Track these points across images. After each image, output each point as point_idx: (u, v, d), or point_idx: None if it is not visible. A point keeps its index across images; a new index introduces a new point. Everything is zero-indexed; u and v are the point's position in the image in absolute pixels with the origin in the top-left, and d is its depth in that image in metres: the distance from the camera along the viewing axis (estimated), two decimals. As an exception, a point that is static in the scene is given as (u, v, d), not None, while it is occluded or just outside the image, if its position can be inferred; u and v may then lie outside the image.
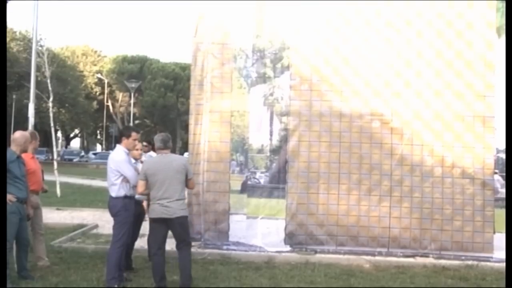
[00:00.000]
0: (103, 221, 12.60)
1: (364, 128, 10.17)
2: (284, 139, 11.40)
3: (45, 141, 54.03)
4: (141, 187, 7.28)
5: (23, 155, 7.69)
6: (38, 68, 20.84)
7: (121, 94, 70.95)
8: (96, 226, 12.52)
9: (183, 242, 7.31)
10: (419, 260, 9.69)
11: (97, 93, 72.69)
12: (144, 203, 8.29)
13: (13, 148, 7.51)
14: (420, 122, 10.14)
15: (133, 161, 8.07)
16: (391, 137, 10.12)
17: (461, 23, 10.19)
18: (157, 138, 7.44)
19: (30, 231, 8.30)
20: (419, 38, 10.23)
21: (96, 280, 7.73)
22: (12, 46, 53.63)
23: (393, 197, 10.02)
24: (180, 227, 7.25)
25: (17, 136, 7.61)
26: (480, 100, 10.02)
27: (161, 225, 7.21)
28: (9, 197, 7.26)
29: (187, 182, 7.37)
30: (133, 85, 49.20)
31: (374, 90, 10.23)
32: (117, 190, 7.45)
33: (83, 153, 69.89)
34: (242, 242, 10.47)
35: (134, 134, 7.75)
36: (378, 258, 9.74)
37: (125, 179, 7.44)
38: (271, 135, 12.31)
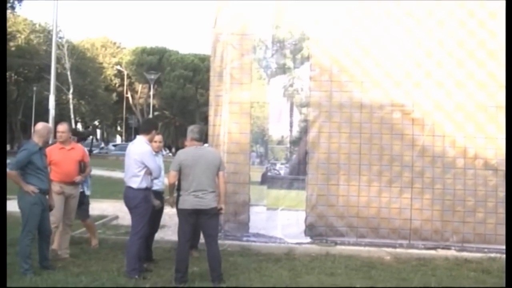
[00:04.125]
0: (123, 212, 12.62)
1: (384, 119, 10.11)
2: (304, 130, 11.36)
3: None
4: (173, 178, 7.30)
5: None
6: (58, 60, 21.05)
7: (140, 85, 71.19)
8: (116, 217, 12.63)
9: (212, 237, 7.33)
10: (441, 252, 9.64)
11: (117, 85, 73.07)
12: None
13: (36, 140, 7.60)
14: (442, 113, 10.05)
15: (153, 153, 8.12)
16: (412, 128, 10.05)
17: (483, 12, 10.07)
18: (193, 130, 7.44)
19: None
20: (440, 27, 10.13)
21: (116, 270, 7.80)
22: (32, 38, 54.17)
23: (414, 189, 9.96)
24: (212, 219, 7.29)
25: (40, 127, 7.68)
26: (503, 90, 9.90)
27: (192, 217, 7.24)
28: (32, 188, 7.38)
29: (219, 175, 7.37)
30: (152, 77, 49.42)
31: (395, 81, 10.16)
32: (139, 181, 7.49)
33: (103, 145, 70.39)
34: (262, 233, 10.50)
35: (154, 132, 7.84)
36: (399, 250, 9.70)
37: (148, 171, 7.47)
38: (291, 126, 12.26)
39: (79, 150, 8.73)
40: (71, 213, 8.65)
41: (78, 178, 8.68)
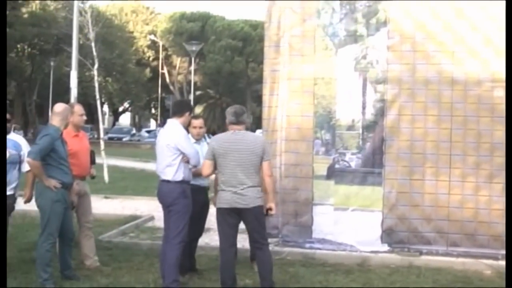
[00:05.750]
0: (159, 212, 12.84)
1: (483, 98, 9.95)
2: (381, 113, 11.28)
3: (89, 117, 55.60)
4: (208, 168, 7.41)
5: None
6: (81, 29, 21.41)
7: (179, 59, 71.92)
8: (151, 218, 12.85)
9: (260, 242, 7.38)
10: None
11: (151, 59, 74.00)
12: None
13: (56, 124, 7.74)
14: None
15: (193, 140, 8.22)
16: (519, 109, 9.85)
17: None
18: (229, 111, 7.53)
19: (76, 223, 8.59)
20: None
21: (153, 282, 7.97)
22: (49, 4, 55.31)
23: (521, 185, 9.78)
24: (256, 219, 7.33)
25: (60, 109, 7.84)
26: None
27: (232, 217, 7.31)
28: (53, 182, 7.53)
29: (262, 166, 7.39)
30: (193, 48, 49.71)
31: (496, 49, 9.96)
32: (174, 172, 7.58)
33: (134, 131, 71.53)
34: (328, 239, 10.51)
35: (187, 115, 7.95)
36: (502, 262, 9.54)
37: (185, 159, 7.56)
38: (364, 107, 12.22)
39: (86, 137, 8.97)
40: (89, 213, 8.79)
41: (94, 171, 8.92)
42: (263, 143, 7.55)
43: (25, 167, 7.94)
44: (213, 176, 8.13)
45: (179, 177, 7.60)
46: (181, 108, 8.01)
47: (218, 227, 7.48)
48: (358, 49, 12.33)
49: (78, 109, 8.58)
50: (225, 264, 7.36)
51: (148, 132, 69.77)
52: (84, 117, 8.66)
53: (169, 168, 7.62)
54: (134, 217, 12.80)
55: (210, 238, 10.61)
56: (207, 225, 9.09)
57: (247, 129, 7.62)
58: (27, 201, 8.04)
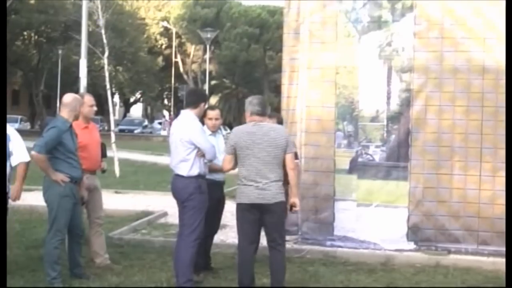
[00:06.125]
0: (173, 208, 12.89)
1: (515, 88, 9.88)
2: (406, 103, 11.24)
3: (99, 108, 55.68)
4: (229, 163, 7.40)
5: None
6: (90, 15, 21.48)
7: (193, 47, 71.96)
8: (164, 214, 12.89)
9: (278, 241, 7.38)
10: None
11: (163, 47, 74.09)
12: None
13: (64, 115, 7.77)
14: None
15: (208, 133, 8.22)
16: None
17: None
18: (252, 101, 7.49)
19: (86, 219, 8.62)
20: None
21: (165, 281, 7.99)
22: (57, -12, 55.45)
23: (556, 180, 9.72)
24: (277, 216, 7.34)
25: (69, 100, 7.84)
26: None
27: (253, 213, 7.30)
28: (61, 176, 7.55)
29: (286, 159, 7.38)
30: (208, 36, 49.71)
31: (530, 36, 9.89)
32: (189, 167, 7.58)
33: (146, 123, 71.71)
34: (350, 236, 10.52)
35: (202, 105, 7.93)
36: (534, 261, 9.50)
37: (200, 153, 7.57)
38: (388, 97, 12.19)
39: (97, 129, 8.98)
40: (99, 208, 8.81)
41: (104, 165, 8.93)
42: (286, 135, 7.56)
43: (15, 161, 7.82)
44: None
45: (195, 172, 7.59)
46: (196, 99, 7.97)
47: (237, 223, 7.47)
48: (382, 35, 12.29)
49: (88, 99, 8.57)
50: (243, 262, 7.36)
51: (161, 123, 69.91)
52: (95, 108, 8.63)
53: (183, 163, 7.61)
54: (146, 213, 12.83)
55: (226, 235, 10.63)
56: (222, 221, 9.11)
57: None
58: (15, 198, 7.89)
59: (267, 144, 7.26)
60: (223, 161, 7.51)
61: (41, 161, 7.47)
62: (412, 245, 10.07)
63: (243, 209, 7.34)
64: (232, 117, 67.60)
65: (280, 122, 8.83)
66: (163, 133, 60.96)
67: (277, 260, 7.36)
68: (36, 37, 58.26)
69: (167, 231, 11.28)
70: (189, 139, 7.56)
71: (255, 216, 7.31)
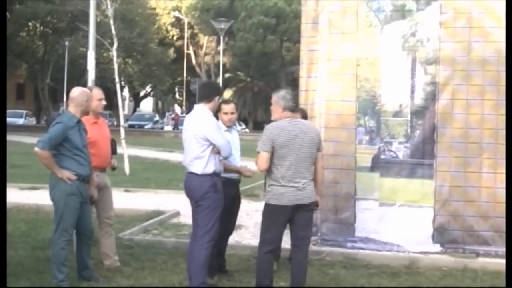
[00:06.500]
0: (185, 207, 12.92)
1: (547, 80, 9.83)
2: (431, 97, 11.20)
3: (107, 102, 55.67)
4: (266, 162, 7.28)
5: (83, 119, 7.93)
6: (98, 5, 21.56)
7: (206, 38, 72.06)
8: (177, 214, 12.92)
9: (306, 239, 7.45)
10: None
11: (175, 38, 74.19)
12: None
13: (72, 110, 7.78)
14: None
15: (223, 128, 8.21)
16: None
17: None
18: (286, 96, 7.47)
19: (95, 219, 8.65)
20: None
21: (178, 284, 8.02)
22: (63, -23, 55.61)
23: None
24: (309, 216, 7.43)
25: (76, 94, 7.85)
26: None
27: (287, 214, 7.30)
28: (67, 174, 7.56)
29: (317, 157, 7.46)
30: (222, 26, 49.77)
31: None
32: (204, 164, 7.57)
33: (157, 118, 71.87)
34: (372, 238, 10.50)
35: (217, 99, 7.91)
36: None
37: (215, 150, 7.57)
38: (412, 91, 12.14)
39: (106, 124, 8.97)
40: (110, 208, 8.80)
41: (115, 162, 8.93)
42: (319, 132, 7.66)
43: None
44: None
45: (210, 169, 7.58)
46: (210, 92, 7.95)
47: (264, 224, 7.46)
48: (406, 25, 12.25)
49: (97, 93, 8.54)
50: (264, 266, 7.38)
51: (173, 119, 70.05)
52: (104, 102, 8.61)
53: (198, 161, 7.61)
54: (157, 213, 12.85)
55: (241, 236, 10.65)
56: (238, 222, 9.12)
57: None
58: None
59: (306, 142, 7.29)
60: (258, 159, 7.37)
61: (44, 158, 7.49)
62: (438, 247, 10.03)
63: (275, 210, 7.32)
64: (247, 112, 67.64)
65: (304, 116, 8.81)
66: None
67: (300, 260, 7.40)
68: (42, 28, 58.41)
69: (179, 232, 11.31)
70: (203, 135, 7.55)
71: (287, 217, 7.33)
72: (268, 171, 7.40)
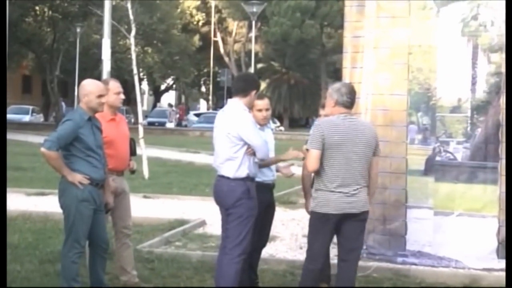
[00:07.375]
0: (213, 216, 12.95)
1: None
2: (496, 90, 11.12)
3: (125, 96, 56.07)
4: (316, 162, 7.24)
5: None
6: (114, -13, 21.70)
7: (235, 23, 72.21)
8: (203, 223, 12.97)
9: (356, 251, 7.47)
10: None
11: (200, 23, 74.44)
12: None
13: (83, 106, 7.74)
14: None
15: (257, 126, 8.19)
16: None
17: None
18: (341, 90, 7.46)
19: (111, 229, 8.66)
20: None
21: (204, 302, 8.04)
22: (75, -44, 56.01)
23: None
24: (362, 227, 7.43)
25: (85, 87, 7.78)
26: None
27: (333, 224, 7.29)
28: (79, 177, 7.52)
29: (372, 161, 7.46)
30: (253, 10, 49.79)
31: None
32: (236, 167, 7.56)
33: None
34: (426, 252, 10.48)
35: (254, 94, 7.86)
36: None
37: (250, 151, 7.55)
38: (473, 83, 12.02)
39: (125, 121, 8.93)
40: (128, 216, 8.76)
41: (134, 165, 8.86)
42: (376, 133, 7.62)
43: None
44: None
45: (243, 173, 7.57)
46: (246, 85, 7.87)
47: (310, 234, 7.48)
48: (466, 7, 12.12)
49: (114, 85, 8.49)
50: (308, 281, 7.39)
51: (197, 115, 70.15)
52: (122, 96, 8.56)
53: (229, 162, 7.60)
54: (180, 222, 12.88)
55: (275, 249, 10.65)
56: (272, 232, 9.10)
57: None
58: None
59: (360, 143, 7.28)
60: (308, 158, 7.35)
61: (52, 159, 7.45)
62: (503, 263, 9.94)
63: (322, 219, 7.31)
64: (282, 108, 67.56)
65: None
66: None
67: (349, 277, 7.43)
68: (50, 12, 58.69)
69: (205, 244, 11.36)
70: (237, 134, 7.53)
71: (335, 227, 7.33)
72: (316, 174, 7.39)
